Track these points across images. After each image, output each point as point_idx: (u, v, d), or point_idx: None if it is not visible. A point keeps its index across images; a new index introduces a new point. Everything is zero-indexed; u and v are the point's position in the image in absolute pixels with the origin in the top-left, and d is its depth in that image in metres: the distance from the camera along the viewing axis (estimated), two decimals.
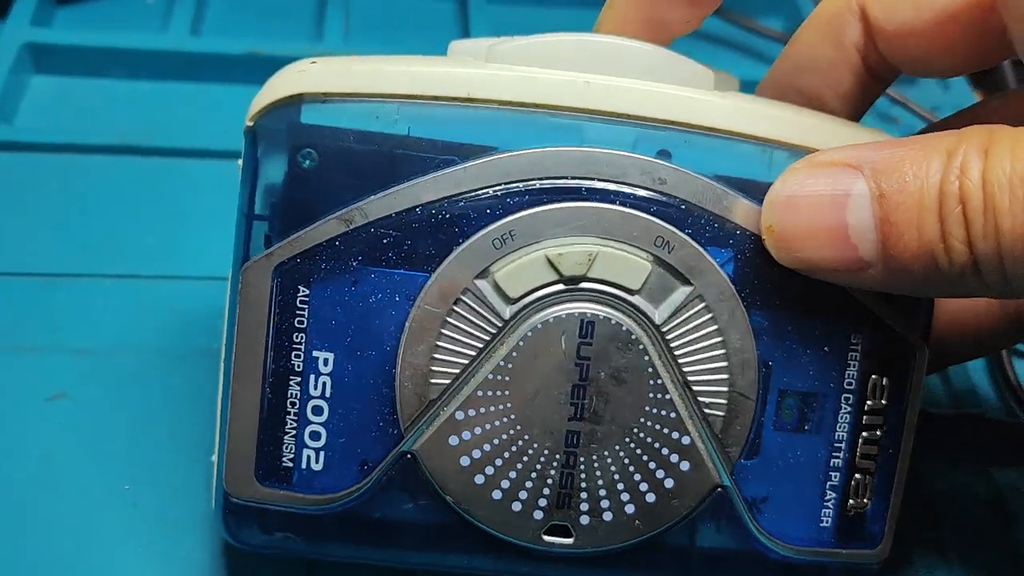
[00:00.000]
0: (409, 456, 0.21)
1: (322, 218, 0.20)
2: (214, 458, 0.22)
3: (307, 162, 0.20)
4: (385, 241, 0.20)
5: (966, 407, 0.28)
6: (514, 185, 0.20)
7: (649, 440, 0.21)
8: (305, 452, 0.21)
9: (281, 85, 0.21)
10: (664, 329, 0.21)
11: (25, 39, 0.36)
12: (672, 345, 0.21)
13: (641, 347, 0.20)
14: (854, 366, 0.21)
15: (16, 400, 0.27)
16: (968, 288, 0.19)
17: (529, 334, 0.20)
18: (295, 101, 0.20)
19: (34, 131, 0.34)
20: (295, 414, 0.21)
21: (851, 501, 0.22)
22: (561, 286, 0.20)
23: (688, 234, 0.20)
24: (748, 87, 0.27)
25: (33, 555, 0.24)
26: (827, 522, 0.22)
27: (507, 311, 0.20)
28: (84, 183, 0.33)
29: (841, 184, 0.19)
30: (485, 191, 0.20)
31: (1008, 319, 0.26)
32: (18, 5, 0.37)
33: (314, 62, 0.21)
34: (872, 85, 0.25)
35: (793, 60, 0.25)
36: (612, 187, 0.20)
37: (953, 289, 0.19)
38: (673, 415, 0.21)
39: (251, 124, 0.21)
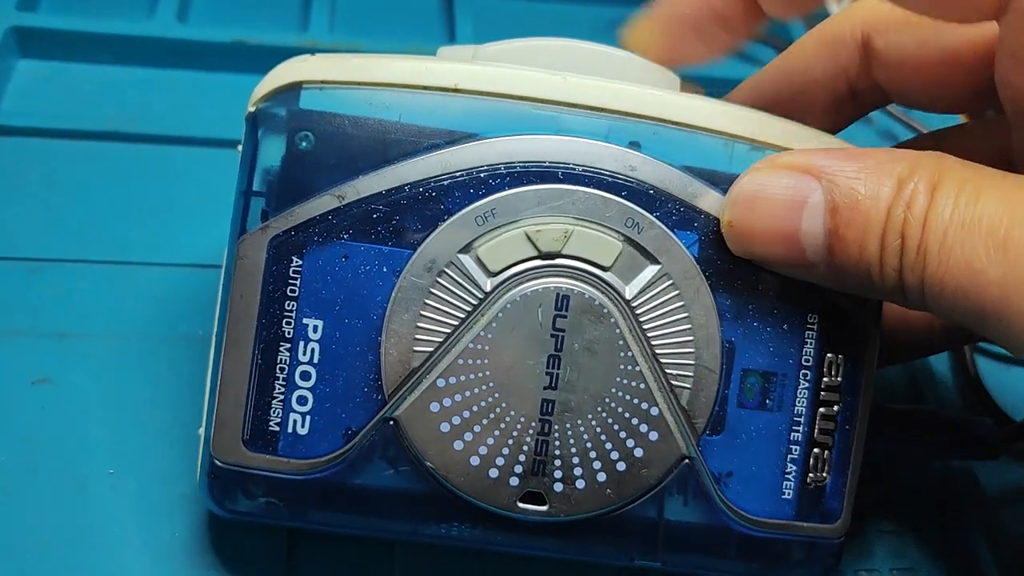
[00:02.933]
0: (391, 422, 0.22)
1: (316, 195, 0.22)
2: (200, 431, 0.23)
3: (304, 144, 0.22)
4: (375, 216, 0.22)
5: (927, 401, 0.30)
6: (496, 167, 0.22)
7: (620, 410, 0.22)
8: (292, 416, 0.22)
9: (282, 74, 0.22)
10: (634, 304, 0.22)
11: (11, 23, 0.36)
12: (641, 320, 0.22)
13: (612, 320, 0.22)
14: (811, 343, 0.23)
15: (1, 384, 0.27)
16: (894, 301, 0.21)
17: (508, 306, 0.22)
18: (295, 88, 0.22)
19: (20, 115, 0.34)
20: (284, 379, 0.22)
21: (811, 475, 0.23)
22: (539, 261, 0.22)
23: (656, 217, 0.22)
24: (733, 86, 0.28)
25: (16, 537, 0.24)
26: (788, 495, 0.23)
27: (488, 284, 0.22)
28: (69, 168, 0.33)
29: (800, 190, 0.21)
30: (469, 172, 0.22)
31: (941, 327, 0.27)
32: None
33: (313, 55, 0.23)
34: (850, 109, 0.26)
35: (784, 68, 0.26)
36: (586, 172, 0.22)
37: (882, 298, 0.21)
38: (642, 386, 0.22)
39: (252, 109, 0.22)
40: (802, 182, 0.21)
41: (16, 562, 0.24)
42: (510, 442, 0.22)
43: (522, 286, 0.22)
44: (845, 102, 0.26)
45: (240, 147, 0.23)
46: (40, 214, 0.32)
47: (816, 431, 0.23)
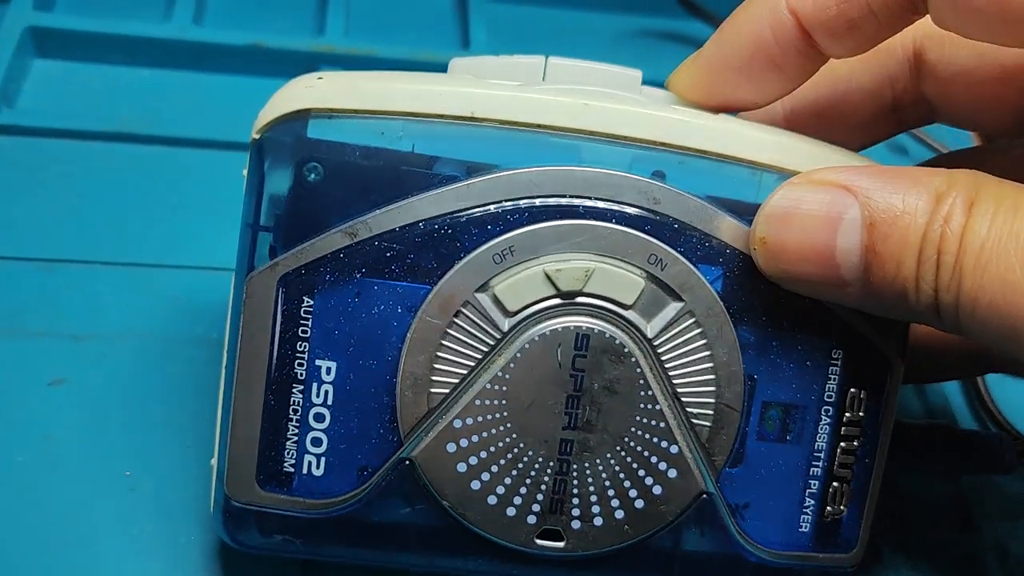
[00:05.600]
0: (408, 462, 0.21)
1: (327, 231, 0.21)
2: (213, 461, 0.23)
3: (312, 176, 0.21)
4: (388, 254, 0.21)
5: (937, 417, 0.30)
6: (514, 202, 0.21)
7: (639, 449, 0.22)
8: (306, 458, 0.22)
9: (288, 100, 0.21)
10: (655, 343, 0.21)
11: (28, 23, 0.36)
12: (663, 358, 0.21)
13: (633, 360, 0.21)
14: (834, 379, 0.22)
15: (17, 384, 0.27)
16: (928, 322, 0.20)
17: (526, 346, 0.21)
18: (302, 116, 0.21)
19: (36, 115, 0.34)
20: (297, 421, 0.21)
21: (828, 508, 0.23)
22: (558, 300, 0.21)
23: (680, 252, 0.21)
24: None
25: (32, 537, 0.25)
26: (805, 528, 0.23)
27: (505, 324, 0.21)
28: (85, 169, 0.33)
29: (836, 206, 0.20)
30: (486, 207, 0.21)
31: (967, 352, 0.27)
32: None
33: (320, 77, 0.21)
34: (890, 124, 0.25)
35: (826, 74, 0.24)
36: (608, 206, 0.21)
37: (916, 319, 0.20)
38: (662, 425, 0.22)
39: (257, 137, 0.21)
40: (838, 198, 0.20)
41: (33, 562, 0.24)
42: (528, 481, 0.22)
43: (541, 325, 0.21)
44: (887, 115, 0.25)
45: (245, 172, 0.22)
46: (55, 214, 0.31)
47: (836, 465, 0.23)
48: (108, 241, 0.31)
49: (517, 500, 0.22)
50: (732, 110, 0.23)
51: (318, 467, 0.22)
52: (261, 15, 0.40)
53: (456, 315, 0.21)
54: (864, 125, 0.25)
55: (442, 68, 0.23)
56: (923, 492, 0.28)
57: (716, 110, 0.22)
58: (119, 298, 0.30)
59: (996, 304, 0.18)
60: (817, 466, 0.23)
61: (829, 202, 0.20)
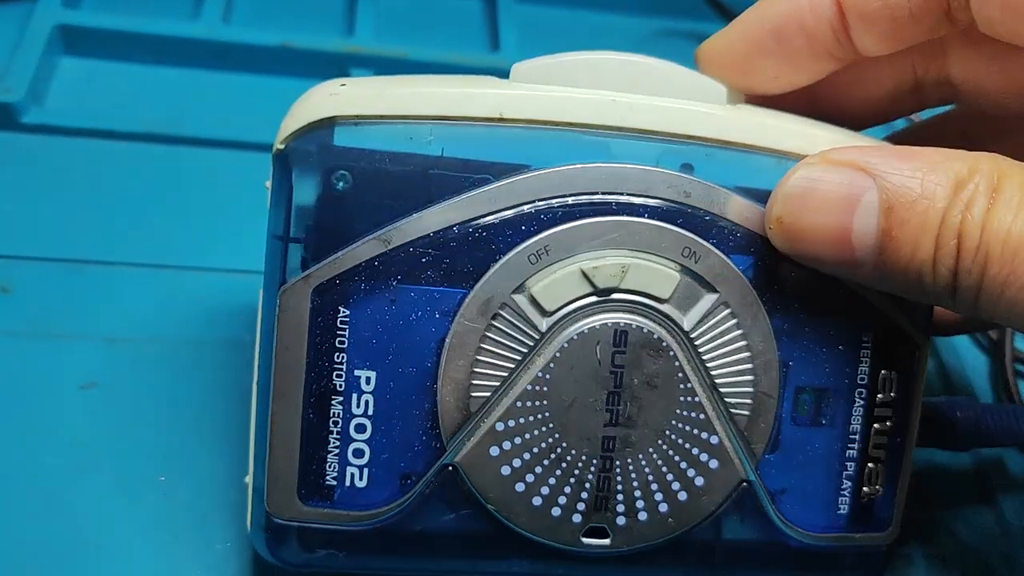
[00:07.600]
0: (451, 468, 0.21)
1: (359, 239, 0.21)
2: (248, 479, 0.22)
3: (341, 184, 0.21)
4: (423, 260, 0.21)
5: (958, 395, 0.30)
6: (547, 202, 0.21)
7: (680, 441, 0.22)
8: (349, 469, 0.21)
9: (312, 108, 0.21)
10: (692, 335, 0.21)
11: (56, 20, 0.36)
12: (700, 350, 0.22)
13: (671, 353, 0.21)
14: (866, 362, 0.23)
15: (49, 388, 0.27)
16: (941, 303, 0.20)
17: (565, 345, 0.21)
18: (327, 124, 0.20)
19: (64, 114, 0.34)
20: (338, 433, 0.21)
21: (865, 489, 0.23)
22: (595, 298, 0.21)
23: (712, 243, 0.21)
24: None
25: (65, 542, 0.24)
26: (843, 509, 0.23)
27: (544, 324, 0.21)
28: (112, 169, 0.33)
29: (854, 188, 0.20)
30: (519, 208, 0.21)
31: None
32: None
33: (343, 84, 0.21)
34: (907, 103, 0.25)
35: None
36: (640, 201, 0.21)
37: (928, 300, 0.21)
38: (702, 416, 0.22)
39: (282, 147, 0.21)
40: (856, 179, 0.20)
41: (65, 567, 0.24)
42: (572, 480, 0.22)
43: (578, 324, 0.21)
44: (905, 95, 0.25)
45: (268, 184, 0.21)
46: (83, 215, 0.31)
47: (870, 446, 0.23)
48: (136, 242, 0.31)
49: (562, 499, 0.22)
50: (760, 89, 0.23)
51: (361, 479, 0.21)
52: (290, 15, 0.40)
53: (494, 318, 0.21)
54: (880, 103, 0.25)
55: (471, 70, 0.23)
56: (943, 466, 0.29)
57: (744, 89, 0.23)
58: (147, 300, 0.29)
59: None
60: (852, 448, 0.23)
61: (847, 183, 0.20)
